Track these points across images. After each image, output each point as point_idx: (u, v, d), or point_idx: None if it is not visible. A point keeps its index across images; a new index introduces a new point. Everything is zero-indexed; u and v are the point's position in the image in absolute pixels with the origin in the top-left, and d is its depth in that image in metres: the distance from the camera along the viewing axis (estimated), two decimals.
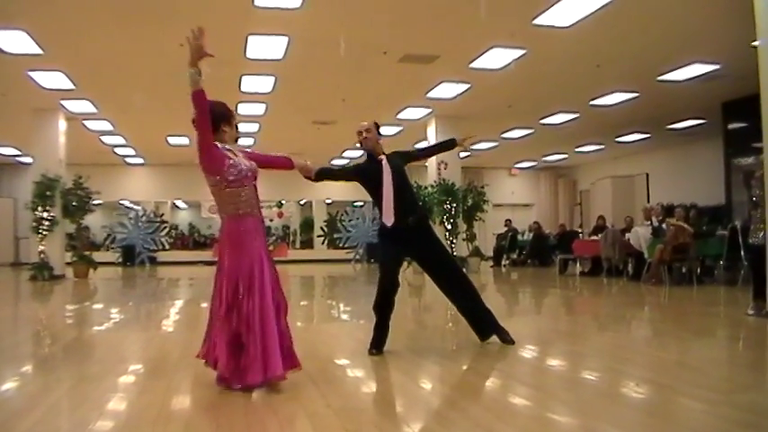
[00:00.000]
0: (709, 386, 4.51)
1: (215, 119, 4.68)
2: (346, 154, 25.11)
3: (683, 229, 12.94)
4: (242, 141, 21.72)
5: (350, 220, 26.61)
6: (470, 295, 6.37)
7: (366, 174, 6.23)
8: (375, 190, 6.09)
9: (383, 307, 6.09)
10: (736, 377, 5.15)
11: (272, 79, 14.01)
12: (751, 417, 3.89)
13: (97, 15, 10.43)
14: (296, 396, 4.43)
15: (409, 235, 6.04)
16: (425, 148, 7.70)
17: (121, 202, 28.13)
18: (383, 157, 6.17)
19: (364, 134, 6.17)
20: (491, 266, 21.50)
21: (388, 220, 6.02)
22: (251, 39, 11.40)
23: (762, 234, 8.13)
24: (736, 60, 12.08)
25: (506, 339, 6.21)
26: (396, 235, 6.03)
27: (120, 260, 24.77)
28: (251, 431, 3.76)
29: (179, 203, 31.07)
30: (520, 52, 12.36)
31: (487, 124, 19.15)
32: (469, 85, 14.70)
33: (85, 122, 18.11)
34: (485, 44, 12.08)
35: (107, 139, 20.98)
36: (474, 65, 13.11)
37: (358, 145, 6.35)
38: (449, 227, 18.05)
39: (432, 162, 19.14)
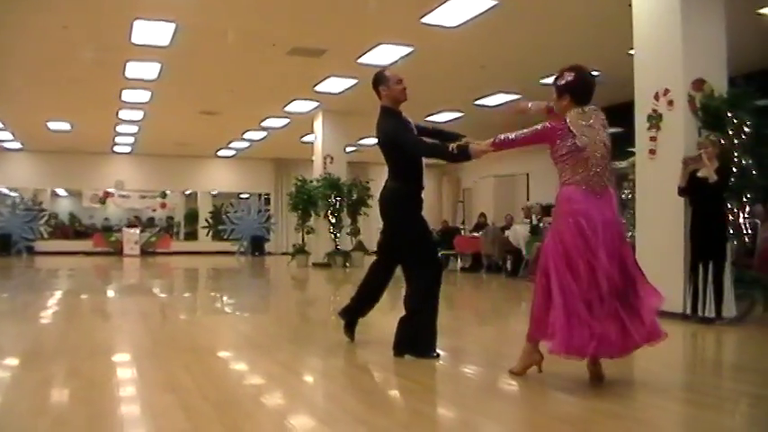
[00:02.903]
0: (582, 380, 4.69)
1: None
2: (233, 145, 24.86)
3: None
4: (124, 129, 21.21)
5: (235, 212, 26.33)
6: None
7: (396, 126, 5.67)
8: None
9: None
10: (607, 371, 5.37)
11: (158, 66, 13.71)
12: (619, 409, 4.08)
13: None
14: (172, 388, 4.39)
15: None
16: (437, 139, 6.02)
17: None
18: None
19: (405, 84, 5.72)
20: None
21: (421, 182, 5.64)
22: (137, 23, 11.13)
23: (631, 234, 8.52)
24: (614, 68, 12.49)
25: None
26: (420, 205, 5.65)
27: None
28: (123, 424, 3.71)
29: (59, 191, 30.02)
30: (407, 50, 12.48)
31: (374, 120, 19.25)
32: (357, 81, 14.75)
33: None
34: (373, 40, 12.15)
35: None
36: (362, 60, 13.16)
37: (398, 97, 5.75)
38: (333, 221, 18.16)
39: (318, 156, 19.17)
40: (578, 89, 4.74)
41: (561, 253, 4.45)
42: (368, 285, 5.99)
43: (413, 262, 5.57)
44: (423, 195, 5.68)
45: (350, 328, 6.03)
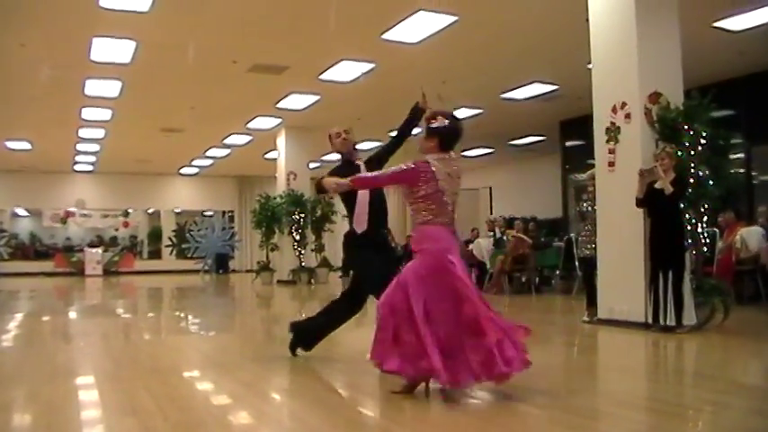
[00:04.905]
0: (545, 391, 4.71)
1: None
2: (196, 162, 24.73)
3: (522, 241, 13.50)
4: (85, 147, 20.98)
5: (199, 230, 26.22)
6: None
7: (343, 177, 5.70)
8: (348, 195, 5.69)
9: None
10: (570, 382, 5.42)
11: (118, 84, 13.59)
12: (580, 420, 4.11)
13: None
14: (134, 411, 4.35)
15: (377, 247, 5.81)
16: (393, 138, 6.76)
17: None
18: (360, 162, 5.91)
19: (344, 135, 5.90)
20: (340, 277, 21.61)
21: (360, 226, 5.75)
22: (95, 41, 11.04)
23: (592, 246, 8.62)
24: (573, 81, 12.67)
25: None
26: (367, 244, 5.77)
27: None
28: None
29: (19, 211, 29.59)
30: (369, 66, 12.54)
31: None
32: (319, 97, 14.78)
33: None
34: (334, 57, 12.19)
35: None
36: (324, 77, 13.20)
37: (339, 148, 6.00)
38: (297, 237, 18.11)
39: (281, 172, 19.13)
40: (448, 136, 4.84)
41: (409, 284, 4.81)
42: (339, 309, 6.20)
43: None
44: (385, 226, 6.01)
45: (303, 347, 6.16)
